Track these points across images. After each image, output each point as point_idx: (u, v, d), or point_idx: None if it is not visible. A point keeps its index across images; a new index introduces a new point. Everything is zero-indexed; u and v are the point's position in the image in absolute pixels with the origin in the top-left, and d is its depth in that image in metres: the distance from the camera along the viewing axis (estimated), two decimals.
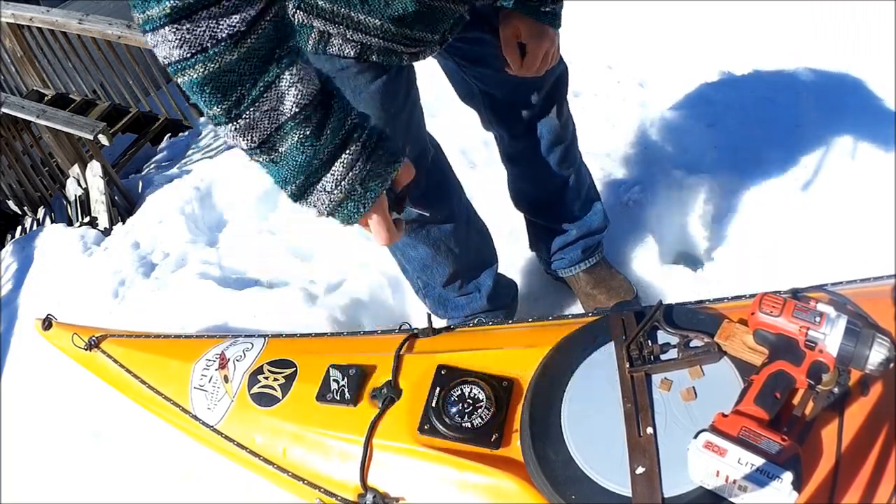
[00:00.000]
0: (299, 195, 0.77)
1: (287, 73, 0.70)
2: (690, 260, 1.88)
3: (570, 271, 1.70)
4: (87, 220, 3.34)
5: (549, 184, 1.57)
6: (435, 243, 1.42)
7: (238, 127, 0.71)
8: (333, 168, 0.75)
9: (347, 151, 0.75)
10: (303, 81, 0.71)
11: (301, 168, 0.74)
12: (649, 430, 0.87)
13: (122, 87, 4.68)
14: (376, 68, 1.11)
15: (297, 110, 0.71)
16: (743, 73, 2.47)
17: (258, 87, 0.69)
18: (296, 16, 1.01)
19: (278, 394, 1.15)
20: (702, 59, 2.67)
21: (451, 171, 1.46)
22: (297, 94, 0.71)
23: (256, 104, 0.70)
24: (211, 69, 0.67)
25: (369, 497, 0.99)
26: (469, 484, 0.94)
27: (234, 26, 0.66)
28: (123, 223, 3.09)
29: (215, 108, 0.69)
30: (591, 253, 1.68)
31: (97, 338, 1.43)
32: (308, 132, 0.72)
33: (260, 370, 1.21)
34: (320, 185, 0.75)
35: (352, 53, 1.06)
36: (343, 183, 0.75)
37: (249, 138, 0.72)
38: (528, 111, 1.42)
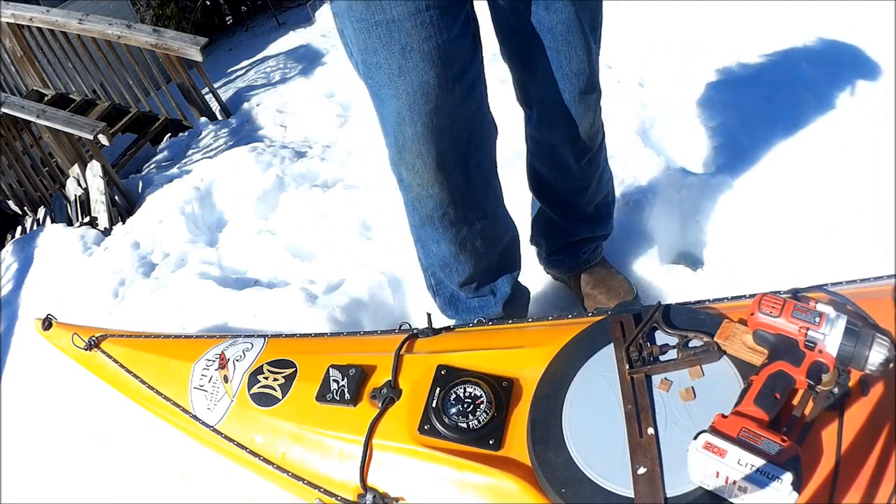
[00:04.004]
0: None
1: None
2: (690, 260, 1.88)
3: (571, 272, 1.70)
4: (87, 220, 3.33)
5: (568, 182, 1.51)
6: (462, 242, 1.36)
7: None
8: None
9: None
10: None
11: None
12: (650, 430, 0.87)
13: (122, 87, 4.68)
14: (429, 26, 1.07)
15: None
16: (743, 73, 2.47)
17: None
18: None
19: (278, 394, 1.15)
20: (702, 58, 2.67)
21: (496, 166, 1.39)
22: None
23: None
24: None
25: (369, 497, 0.99)
26: (469, 484, 0.94)
27: None
28: (123, 223, 3.09)
29: None
30: (591, 253, 1.67)
31: (97, 338, 1.43)
32: None
33: (260, 370, 1.21)
34: None
35: None
36: None
37: None
38: (565, 99, 1.34)
